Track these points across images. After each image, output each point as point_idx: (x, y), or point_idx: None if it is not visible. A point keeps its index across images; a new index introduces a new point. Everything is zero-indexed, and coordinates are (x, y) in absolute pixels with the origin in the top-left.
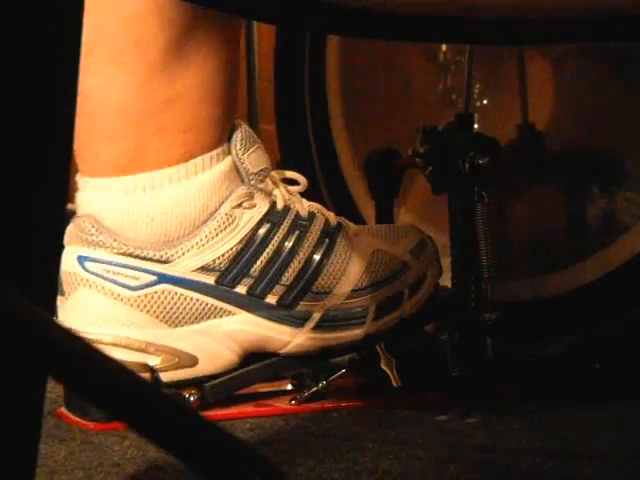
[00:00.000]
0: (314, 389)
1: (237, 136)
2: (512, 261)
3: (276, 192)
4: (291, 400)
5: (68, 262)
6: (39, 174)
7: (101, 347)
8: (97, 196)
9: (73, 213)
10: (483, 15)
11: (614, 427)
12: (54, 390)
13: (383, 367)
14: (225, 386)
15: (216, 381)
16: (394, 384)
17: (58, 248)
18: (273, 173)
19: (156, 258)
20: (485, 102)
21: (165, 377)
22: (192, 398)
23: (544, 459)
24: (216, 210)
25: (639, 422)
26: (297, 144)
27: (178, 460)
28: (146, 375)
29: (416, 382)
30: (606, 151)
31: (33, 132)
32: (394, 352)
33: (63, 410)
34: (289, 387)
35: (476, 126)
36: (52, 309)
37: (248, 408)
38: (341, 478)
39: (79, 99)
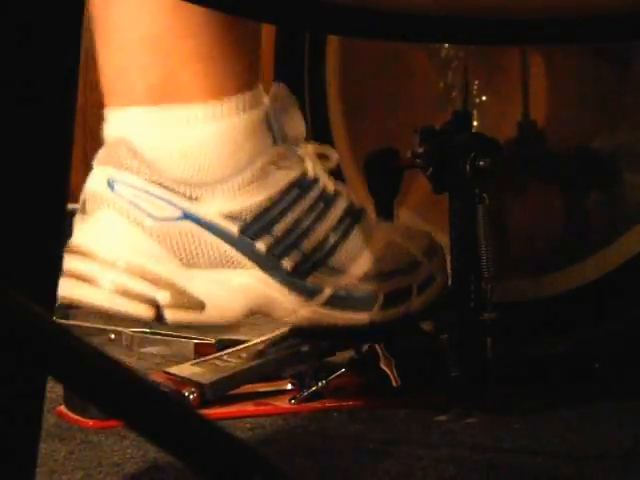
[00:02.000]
0: (314, 389)
1: (275, 93)
2: (512, 261)
3: (308, 162)
4: (291, 400)
5: (96, 181)
6: (39, 174)
7: (114, 271)
8: (131, 124)
9: (73, 213)
10: (483, 15)
11: (614, 427)
12: (54, 390)
13: (383, 367)
14: (224, 384)
15: (215, 379)
16: (394, 384)
17: (58, 248)
18: (306, 145)
19: (186, 194)
20: (485, 100)
21: (169, 315)
22: (191, 396)
23: (544, 459)
24: (250, 161)
25: (639, 422)
26: None
27: (178, 460)
28: (151, 310)
29: (416, 382)
30: (606, 150)
31: (33, 132)
32: (394, 352)
33: (63, 409)
34: (289, 387)
35: (475, 124)
36: (52, 309)
37: (248, 407)
38: (341, 478)
39: (106, 31)
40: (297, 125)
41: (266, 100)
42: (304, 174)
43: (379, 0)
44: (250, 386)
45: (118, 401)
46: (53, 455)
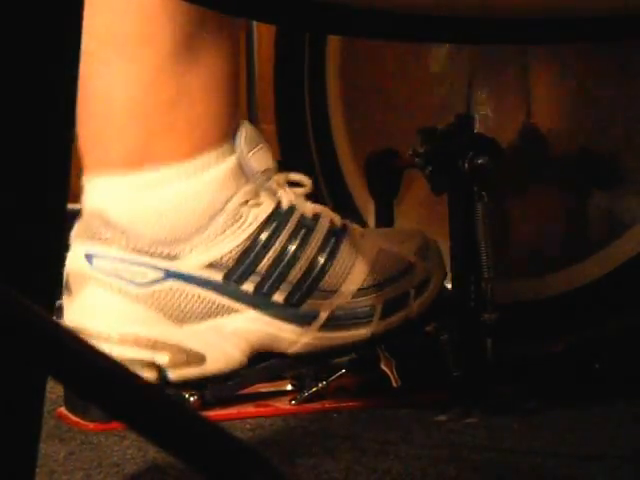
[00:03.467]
0: (314, 389)
1: (242, 135)
2: (512, 261)
3: (281, 192)
4: (291, 400)
5: (75, 260)
6: (39, 174)
7: (109, 344)
8: (105, 194)
9: (73, 213)
10: (483, 15)
11: (614, 427)
12: (54, 390)
13: (383, 367)
14: (225, 387)
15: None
16: (394, 384)
17: (58, 248)
18: (278, 175)
19: (164, 254)
20: (487, 103)
21: (172, 375)
22: (192, 398)
23: (544, 459)
24: (223, 207)
25: (639, 422)
26: (297, 144)
27: (178, 460)
28: (153, 373)
29: (416, 382)
30: (607, 151)
31: (33, 132)
32: (394, 352)
33: (63, 410)
34: (289, 387)
35: (477, 127)
36: (52, 309)
37: (248, 408)
38: (341, 478)
39: (88, 98)
40: (266, 159)
41: (240, 145)
42: (279, 206)
43: (379, 0)
44: (251, 387)
45: (118, 401)
46: (53, 455)
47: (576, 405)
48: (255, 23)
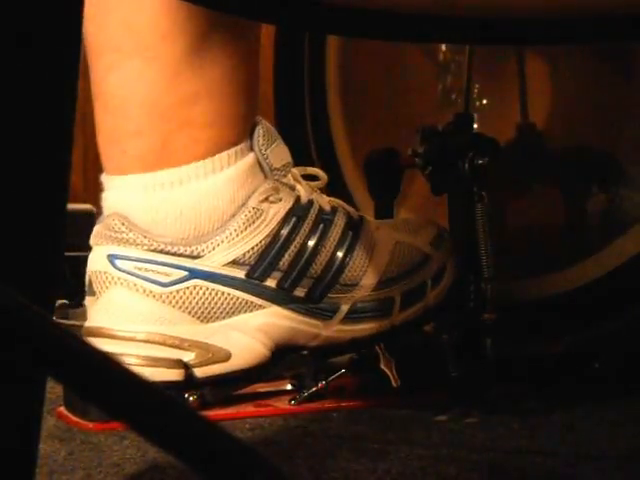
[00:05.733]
0: (314, 389)
1: (259, 132)
2: (512, 261)
3: (299, 187)
4: (291, 400)
5: (98, 261)
6: (39, 174)
7: (135, 344)
8: (125, 194)
9: (73, 213)
10: (483, 15)
11: (614, 427)
12: (54, 390)
13: (383, 367)
14: (224, 385)
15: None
16: (394, 384)
17: (58, 248)
18: (294, 169)
19: (187, 254)
20: (485, 102)
21: (199, 373)
22: (191, 398)
23: (544, 459)
24: (243, 204)
25: (639, 422)
26: (297, 144)
27: (178, 460)
28: (180, 372)
29: (416, 382)
30: (606, 151)
31: (33, 132)
32: (394, 352)
33: (63, 410)
34: (289, 387)
35: (476, 126)
36: (52, 309)
37: (248, 408)
38: (341, 478)
39: (105, 95)
40: (283, 154)
41: (257, 142)
42: (298, 201)
43: (379, 0)
44: (250, 387)
45: (118, 401)
46: (53, 455)
47: (576, 405)
48: None
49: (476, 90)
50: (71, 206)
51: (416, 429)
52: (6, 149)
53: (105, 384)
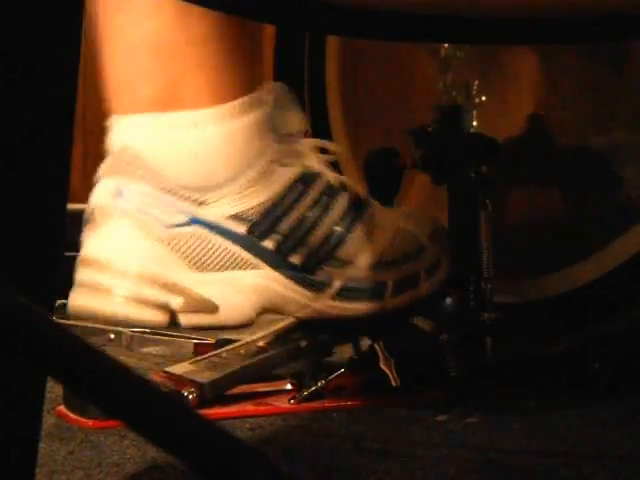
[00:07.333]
0: (313, 388)
1: (271, 93)
2: (512, 261)
3: (310, 157)
4: (290, 399)
5: (104, 193)
6: (39, 174)
7: (126, 280)
8: (135, 131)
9: (73, 213)
10: (483, 15)
11: (614, 427)
12: (53, 389)
13: (382, 367)
14: (224, 383)
15: (214, 378)
16: (394, 384)
17: (58, 248)
18: (308, 139)
19: (192, 199)
20: (484, 100)
21: (183, 319)
22: (190, 396)
23: (544, 459)
24: (253, 161)
25: (639, 422)
26: None
27: (178, 460)
28: (165, 315)
29: (416, 382)
30: (606, 151)
31: (33, 132)
32: (393, 352)
33: (62, 409)
34: (288, 386)
35: (475, 123)
36: (52, 309)
37: (247, 407)
38: (341, 478)
39: (114, 37)
40: (298, 121)
41: (268, 99)
42: (307, 169)
43: (379, 0)
44: (250, 386)
45: (118, 401)
46: (53, 455)
47: (576, 405)
48: None
49: (475, 87)
50: (71, 206)
51: (416, 429)
52: (6, 149)
53: (105, 384)
